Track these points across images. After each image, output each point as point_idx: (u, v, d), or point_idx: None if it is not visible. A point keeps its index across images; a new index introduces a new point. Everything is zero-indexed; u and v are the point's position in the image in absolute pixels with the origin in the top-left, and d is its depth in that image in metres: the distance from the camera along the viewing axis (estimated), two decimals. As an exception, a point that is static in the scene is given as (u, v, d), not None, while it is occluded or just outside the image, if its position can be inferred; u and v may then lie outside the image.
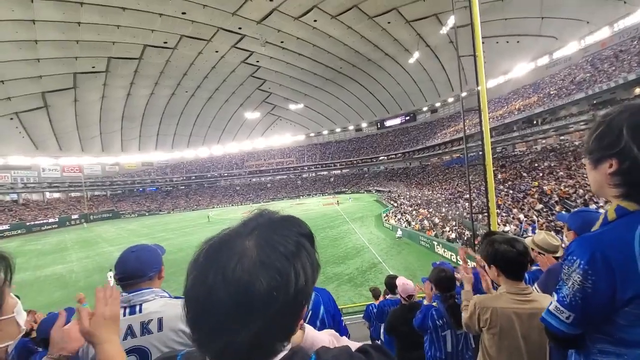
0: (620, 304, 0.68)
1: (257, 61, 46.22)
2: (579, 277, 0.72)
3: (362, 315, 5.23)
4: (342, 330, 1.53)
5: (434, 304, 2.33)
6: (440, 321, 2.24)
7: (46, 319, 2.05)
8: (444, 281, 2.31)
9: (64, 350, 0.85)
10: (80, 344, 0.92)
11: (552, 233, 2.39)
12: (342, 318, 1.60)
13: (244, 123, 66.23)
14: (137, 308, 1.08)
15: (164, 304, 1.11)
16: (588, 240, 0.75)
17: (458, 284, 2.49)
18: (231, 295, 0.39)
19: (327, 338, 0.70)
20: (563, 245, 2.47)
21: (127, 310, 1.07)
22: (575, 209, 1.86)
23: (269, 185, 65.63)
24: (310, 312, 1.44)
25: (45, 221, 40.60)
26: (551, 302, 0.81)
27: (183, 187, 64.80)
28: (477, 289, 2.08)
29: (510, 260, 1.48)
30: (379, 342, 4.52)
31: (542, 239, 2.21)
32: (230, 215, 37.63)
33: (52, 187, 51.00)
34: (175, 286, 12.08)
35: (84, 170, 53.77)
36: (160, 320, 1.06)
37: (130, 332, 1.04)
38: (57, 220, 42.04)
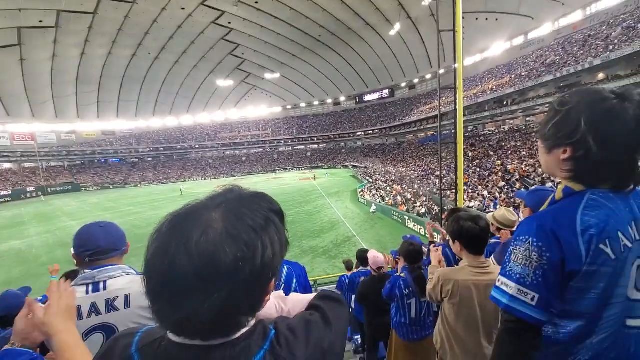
0: (567, 277, 0.72)
1: (229, 22, 42.82)
2: (535, 255, 0.73)
3: (335, 285, 5.50)
4: None
5: (402, 274, 2.47)
6: (407, 290, 2.39)
7: (1, 298, 1.93)
8: (412, 254, 2.44)
9: (27, 340, 0.83)
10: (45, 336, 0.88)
11: (511, 209, 2.57)
12: (312, 290, 1.66)
13: (215, 91, 62.49)
14: (101, 285, 1.04)
15: (130, 281, 1.08)
16: (537, 219, 0.77)
17: (425, 257, 2.66)
18: (194, 266, 0.39)
19: (272, 302, 0.70)
20: (520, 220, 2.68)
21: (90, 288, 1.03)
22: (533, 188, 1.98)
23: (244, 158, 63.96)
24: (283, 284, 1.46)
25: (-5, 194, 37.12)
26: (505, 285, 0.78)
27: (150, 158, 61.07)
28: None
29: (474, 236, 1.57)
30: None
31: (501, 215, 2.38)
32: (203, 189, 36.46)
33: (2, 157, 46.04)
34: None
35: (37, 138, 48.74)
36: (127, 297, 1.04)
37: (94, 309, 1.01)
38: (10, 193, 38.47)
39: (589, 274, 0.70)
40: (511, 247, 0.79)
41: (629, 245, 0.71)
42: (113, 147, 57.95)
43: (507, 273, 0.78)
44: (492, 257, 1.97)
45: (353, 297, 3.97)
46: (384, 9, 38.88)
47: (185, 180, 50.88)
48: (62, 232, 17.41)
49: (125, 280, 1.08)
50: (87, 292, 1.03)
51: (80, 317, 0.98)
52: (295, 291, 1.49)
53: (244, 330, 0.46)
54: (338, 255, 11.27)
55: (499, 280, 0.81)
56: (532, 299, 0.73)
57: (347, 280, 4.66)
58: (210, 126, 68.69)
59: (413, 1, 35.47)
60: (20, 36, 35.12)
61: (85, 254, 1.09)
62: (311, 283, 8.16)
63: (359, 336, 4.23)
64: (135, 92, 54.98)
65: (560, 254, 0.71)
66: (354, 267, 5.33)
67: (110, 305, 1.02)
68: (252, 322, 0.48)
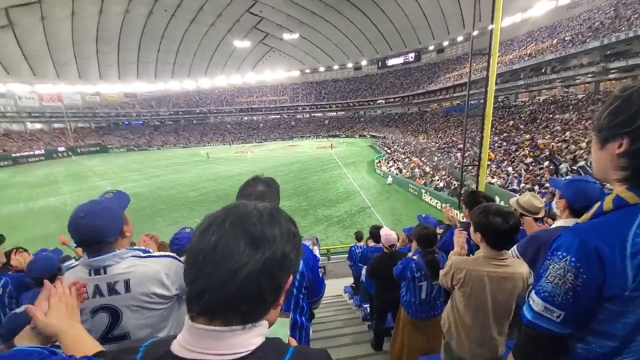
0: (604, 300, 0.66)
1: (247, -24, 40.30)
2: (570, 276, 0.67)
3: (347, 255, 5.67)
4: (319, 281, 1.61)
5: (414, 257, 2.45)
6: (419, 273, 2.38)
7: (36, 260, 2.07)
8: (425, 238, 2.39)
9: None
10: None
11: (537, 195, 2.39)
12: (320, 272, 1.69)
13: (232, 53, 60.86)
14: (102, 270, 1.04)
15: (130, 265, 1.06)
16: (579, 234, 0.68)
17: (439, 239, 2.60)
18: (244, 234, 0.47)
19: None
20: (545, 207, 2.51)
21: (92, 271, 1.05)
22: (572, 177, 1.78)
23: (261, 124, 63.72)
24: None
25: (31, 153, 39.60)
26: (533, 301, 0.75)
27: (171, 122, 62.18)
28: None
29: (501, 233, 1.48)
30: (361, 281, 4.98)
31: (526, 200, 2.22)
32: (223, 154, 37.40)
33: (33, 117, 48.42)
34: (170, 221, 12.59)
35: (63, 99, 50.48)
36: (127, 282, 1.03)
37: (98, 291, 1.03)
38: (43, 152, 41.02)
39: (630, 299, 0.64)
40: (547, 261, 0.73)
41: None
42: (135, 109, 59.15)
43: (537, 289, 0.75)
44: (514, 247, 1.85)
45: (364, 268, 4.10)
46: (415, -41, 34.92)
47: (204, 145, 52.00)
48: (93, 191, 18.62)
49: (124, 265, 1.06)
50: (90, 274, 1.04)
51: None
52: (303, 272, 1.50)
53: (259, 342, 0.49)
54: (352, 225, 11.47)
55: (530, 295, 0.78)
56: (558, 317, 0.70)
57: (357, 251, 4.79)
58: (228, 90, 68.02)
59: (450, -51, 31.47)
60: (40, -8, 34.95)
61: (76, 244, 1.07)
62: (324, 251, 8.45)
63: (367, 305, 4.41)
64: (154, 53, 54.53)
65: (601, 277, 0.64)
66: (364, 241, 5.42)
67: (111, 289, 1.03)
68: (265, 325, 0.50)
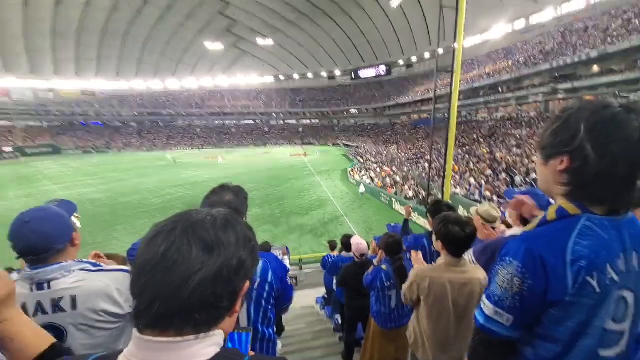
0: (548, 305, 0.71)
1: (220, -24, 39.86)
2: (517, 280, 0.71)
3: (319, 263, 5.64)
4: (288, 289, 1.61)
5: (383, 266, 2.50)
6: (388, 282, 2.44)
7: None
8: (392, 246, 2.46)
9: None
10: None
11: (495, 205, 2.56)
12: (289, 281, 1.67)
13: (204, 55, 59.06)
14: (45, 285, 0.95)
15: (78, 280, 0.98)
16: (525, 241, 0.74)
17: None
18: (198, 241, 0.45)
19: None
20: (502, 217, 2.70)
21: (35, 286, 0.95)
22: (524, 189, 1.92)
23: (233, 129, 62.12)
24: (259, 279, 1.45)
25: (-32, 152, 35.30)
26: (485, 305, 0.79)
27: (135, 123, 58.31)
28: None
29: (459, 241, 1.59)
30: (331, 290, 4.97)
31: (485, 210, 2.36)
32: (193, 159, 35.87)
33: (-28, 113, 43.32)
34: (131, 230, 11.75)
35: (11, 95, 45.60)
36: (73, 299, 0.95)
37: (40, 308, 0.94)
38: (-16, 152, 36.76)
39: (569, 304, 0.69)
40: (497, 267, 0.77)
41: (615, 278, 0.69)
42: (93, 108, 54.71)
43: (488, 293, 0.79)
44: (471, 250, 1.94)
45: (335, 278, 4.08)
46: (387, -22, 36.80)
47: (172, 149, 49.55)
48: (44, 196, 16.86)
49: (71, 280, 0.97)
50: (31, 290, 0.94)
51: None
52: (272, 283, 1.47)
53: (216, 347, 0.47)
54: (325, 234, 11.47)
55: (482, 299, 0.81)
56: (507, 320, 0.74)
57: (330, 260, 4.78)
58: (198, 93, 65.59)
59: (418, -28, 33.59)
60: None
61: (18, 254, 0.96)
62: (296, 261, 8.31)
63: (338, 315, 4.40)
64: (116, 49, 51.24)
65: (545, 282, 0.69)
66: (337, 250, 5.43)
67: (56, 306, 0.95)
68: (220, 335, 0.48)
